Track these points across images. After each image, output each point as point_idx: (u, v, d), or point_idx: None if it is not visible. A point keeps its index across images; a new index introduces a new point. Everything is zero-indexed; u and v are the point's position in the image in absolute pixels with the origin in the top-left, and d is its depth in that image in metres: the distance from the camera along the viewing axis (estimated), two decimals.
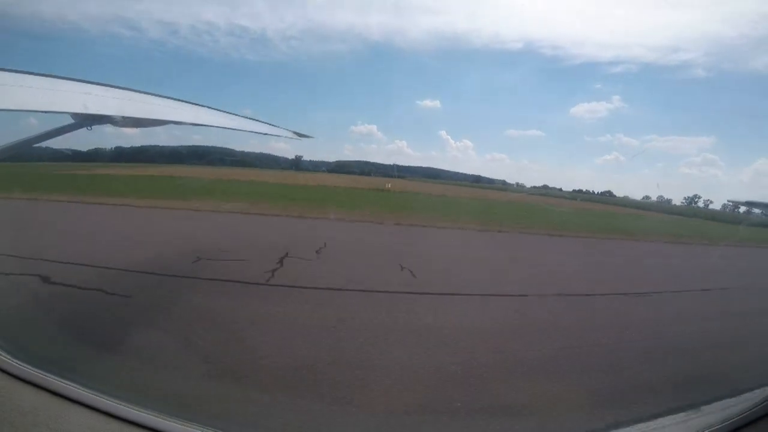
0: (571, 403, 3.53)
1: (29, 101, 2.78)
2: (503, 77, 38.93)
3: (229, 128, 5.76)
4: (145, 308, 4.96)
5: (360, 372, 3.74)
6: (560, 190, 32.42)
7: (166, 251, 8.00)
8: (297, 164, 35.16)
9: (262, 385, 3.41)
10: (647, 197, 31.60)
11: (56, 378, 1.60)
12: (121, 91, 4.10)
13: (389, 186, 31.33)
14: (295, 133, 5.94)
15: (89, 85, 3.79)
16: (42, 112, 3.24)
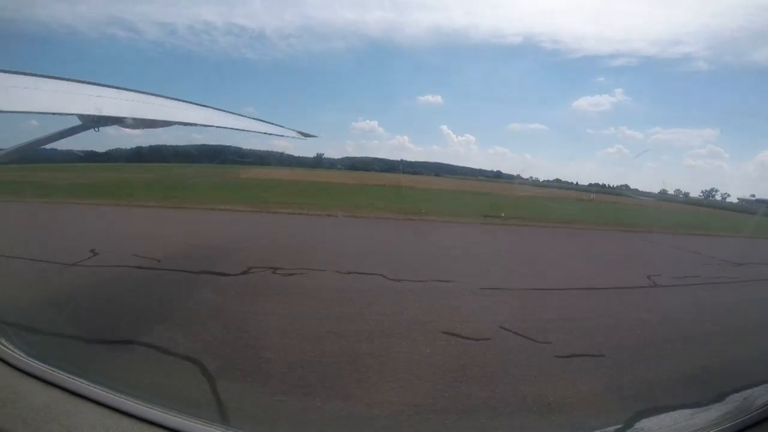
0: None
1: (42, 104, 2.84)
2: (504, 72, 38.75)
3: (236, 129, 5.81)
4: None
5: None
6: (576, 184, 31.62)
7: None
8: (318, 162, 34.48)
9: None
10: (664, 191, 30.89)
11: (68, 375, 1.63)
12: (132, 93, 4.18)
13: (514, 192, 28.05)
14: (300, 132, 5.97)
15: (102, 87, 3.87)
16: (58, 114, 3.30)
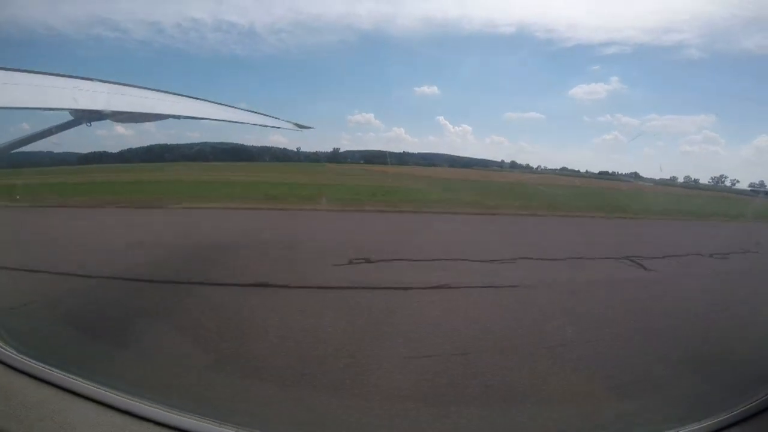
0: None
1: (53, 100, 2.75)
2: (499, 61, 37.94)
3: (230, 121, 5.76)
4: None
5: None
6: (587, 172, 31.18)
7: None
8: (335, 157, 33.63)
9: None
10: (674, 177, 30.65)
11: (61, 372, 1.63)
12: (125, 87, 4.10)
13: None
14: (296, 124, 5.92)
15: (92, 82, 3.79)
16: (71, 110, 3.22)
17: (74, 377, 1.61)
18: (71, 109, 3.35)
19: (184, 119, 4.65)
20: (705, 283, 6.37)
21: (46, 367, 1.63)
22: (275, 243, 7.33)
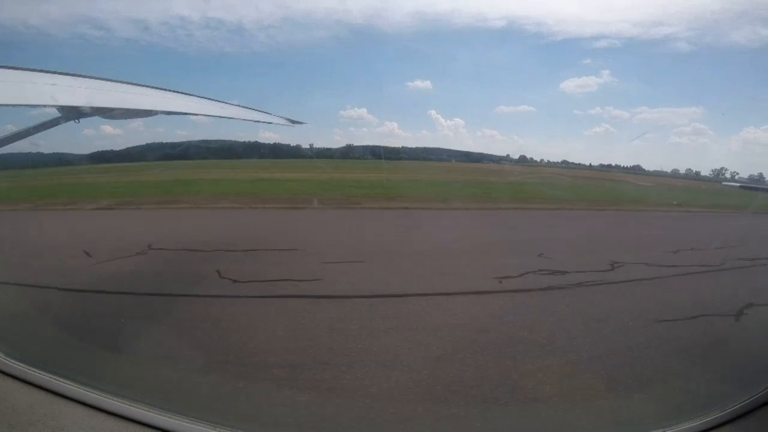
0: None
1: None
2: (491, 55, 37.68)
3: (223, 117, 5.69)
4: None
5: None
6: (590, 165, 31.31)
7: None
8: (347, 153, 32.99)
9: None
10: (676, 170, 31.06)
11: (52, 376, 1.61)
12: (113, 83, 4.02)
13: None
14: (288, 119, 5.86)
15: (80, 78, 3.71)
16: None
17: (66, 381, 1.59)
18: (58, 106, 3.28)
19: (175, 116, 4.57)
20: None
21: (38, 371, 1.62)
22: None
